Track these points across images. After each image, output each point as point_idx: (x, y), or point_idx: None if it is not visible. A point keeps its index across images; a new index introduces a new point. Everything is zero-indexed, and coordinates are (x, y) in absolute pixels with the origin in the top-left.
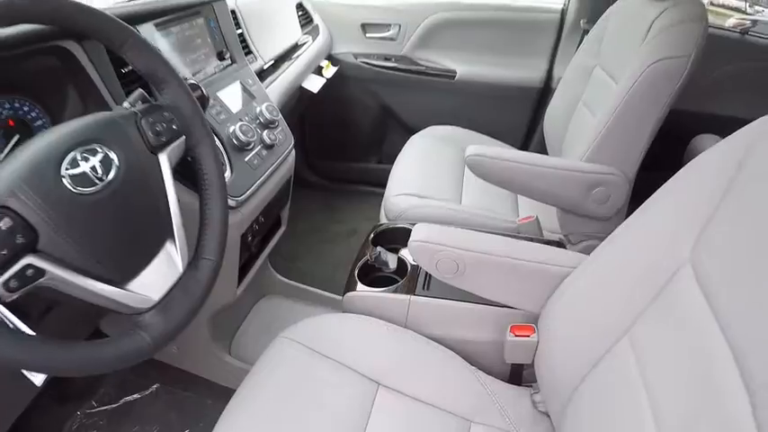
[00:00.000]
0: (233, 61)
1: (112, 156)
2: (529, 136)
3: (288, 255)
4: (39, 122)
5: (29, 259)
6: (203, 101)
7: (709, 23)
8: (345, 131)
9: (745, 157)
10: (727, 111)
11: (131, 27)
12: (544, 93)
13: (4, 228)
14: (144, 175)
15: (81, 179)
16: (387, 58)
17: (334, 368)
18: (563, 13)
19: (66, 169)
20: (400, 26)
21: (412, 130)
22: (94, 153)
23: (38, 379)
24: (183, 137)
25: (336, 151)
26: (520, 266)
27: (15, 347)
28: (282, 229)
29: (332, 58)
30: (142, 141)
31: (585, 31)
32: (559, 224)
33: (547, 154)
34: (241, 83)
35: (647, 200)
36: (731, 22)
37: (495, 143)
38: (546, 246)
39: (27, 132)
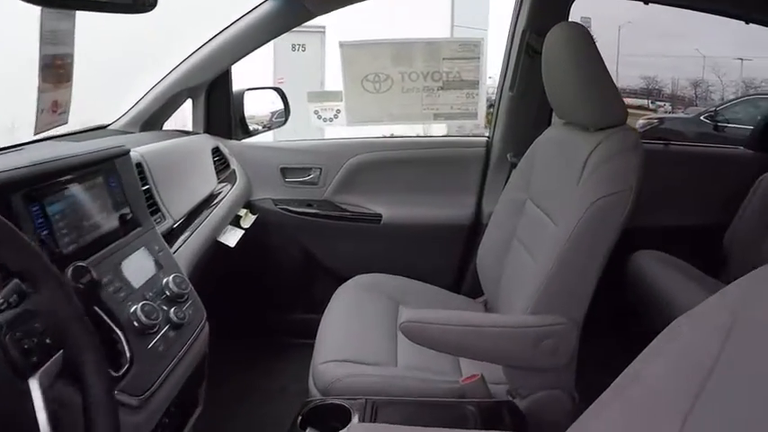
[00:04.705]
0: (137, 224)
1: None
2: (461, 276)
3: (214, 421)
4: None
5: None
6: (93, 286)
7: None
8: (269, 283)
9: (732, 324)
10: (661, 221)
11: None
12: (474, 230)
13: None
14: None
15: None
16: (308, 204)
17: None
18: (488, 145)
19: None
20: (321, 169)
21: (339, 278)
22: None
23: None
24: (60, 351)
25: (261, 303)
26: None
27: None
28: (199, 409)
29: (251, 206)
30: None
31: (513, 165)
32: (506, 379)
33: (481, 293)
34: (146, 249)
35: (634, 362)
36: (641, 122)
37: (425, 288)
38: None
39: None
